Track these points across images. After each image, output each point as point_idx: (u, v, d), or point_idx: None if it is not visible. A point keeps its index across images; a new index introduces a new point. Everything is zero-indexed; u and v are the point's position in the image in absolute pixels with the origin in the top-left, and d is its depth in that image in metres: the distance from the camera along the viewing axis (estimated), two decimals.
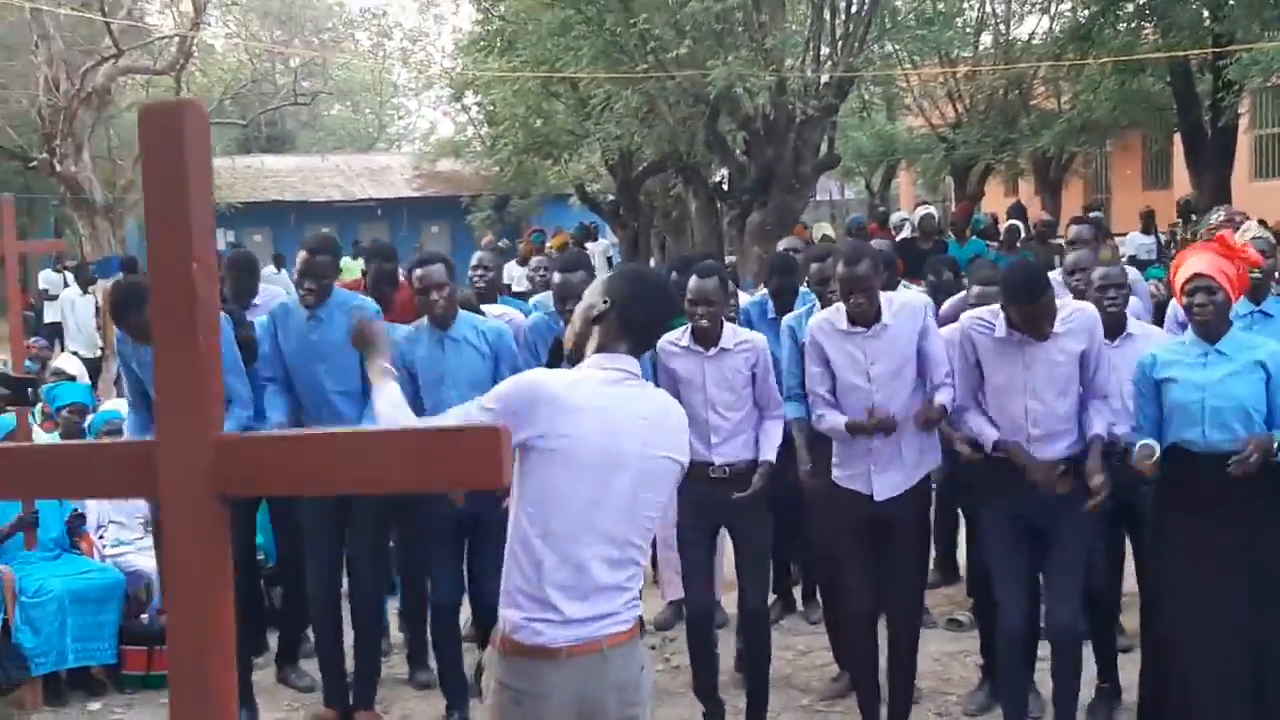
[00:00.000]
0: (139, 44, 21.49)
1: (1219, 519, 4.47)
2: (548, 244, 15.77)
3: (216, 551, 0.99)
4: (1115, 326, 5.30)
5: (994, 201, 23.56)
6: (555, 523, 2.99)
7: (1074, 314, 4.87)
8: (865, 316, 4.98)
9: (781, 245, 8.46)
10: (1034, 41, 22.74)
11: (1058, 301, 4.96)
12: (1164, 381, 4.62)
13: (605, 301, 3.17)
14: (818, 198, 29.13)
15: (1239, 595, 4.52)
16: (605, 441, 3.02)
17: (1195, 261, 4.57)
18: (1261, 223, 6.42)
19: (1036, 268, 4.99)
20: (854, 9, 15.93)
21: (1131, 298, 5.72)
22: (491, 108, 24.43)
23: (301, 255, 5.63)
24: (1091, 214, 14.99)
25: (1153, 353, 4.76)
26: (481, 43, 21.02)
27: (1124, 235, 16.20)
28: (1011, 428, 4.92)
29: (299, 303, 5.66)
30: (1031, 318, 4.74)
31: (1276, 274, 5.63)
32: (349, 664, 5.78)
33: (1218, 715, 4.58)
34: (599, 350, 3.16)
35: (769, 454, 5.35)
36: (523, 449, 2.96)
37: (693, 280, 5.33)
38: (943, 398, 5.07)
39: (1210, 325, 4.55)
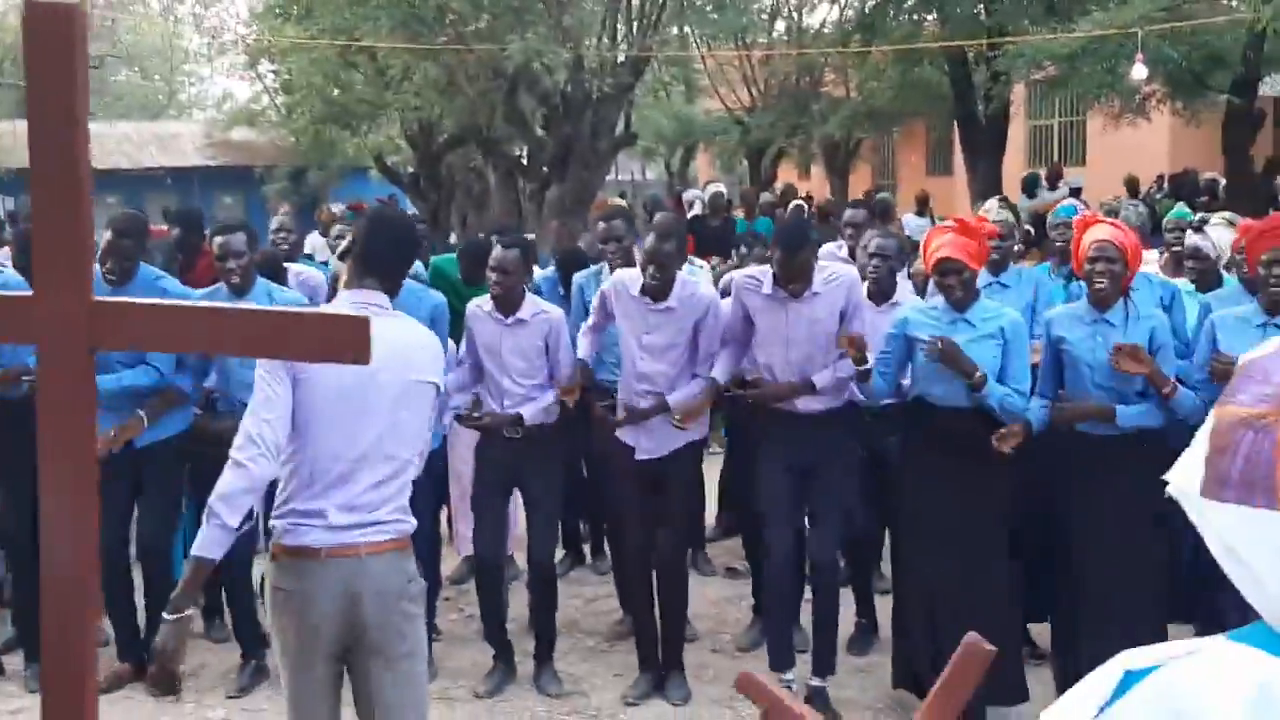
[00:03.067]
0: None
1: (954, 465, 4.95)
2: None
3: (86, 394, 1.17)
4: (883, 294, 5.77)
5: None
6: (323, 443, 3.31)
7: (834, 274, 5.29)
8: (657, 290, 5.33)
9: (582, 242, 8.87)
10: (825, 30, 23.54)
11: (823, 263, 5.40)
12: (914, 340, 5.06)
13: (351, 240, 3.57)
14: (620, 177, 29.55)
15: (967, 533, 4.98)
16: (359, 369, 3.30)
17: (940, 246, 4.98)
18: (1002, 199, 6.96)
19: (806, 225, 5.42)
20: None
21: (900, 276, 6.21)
22: (287, 76, 23.96)
23: (107, 236, 5.56)
24: (879, 195, 15.72)
25: (907, 314, 5.20)
26: (278, 9, 20.63)
27: (903, 218, 17.05)
28: (775, 377, 5.34)
29: (102, 280, 5.54)
30: (787, 267, 5.14)
31: (1015, 249, 6.18)
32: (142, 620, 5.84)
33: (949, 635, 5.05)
34: (348, 287, 3.53)
35: (527, 409, 5.57)
36: (294, 381, 3.29)
37: (495, 249, 5.62)
38: (681, 392, 5.44)
39: (960, 299, 5.01)
